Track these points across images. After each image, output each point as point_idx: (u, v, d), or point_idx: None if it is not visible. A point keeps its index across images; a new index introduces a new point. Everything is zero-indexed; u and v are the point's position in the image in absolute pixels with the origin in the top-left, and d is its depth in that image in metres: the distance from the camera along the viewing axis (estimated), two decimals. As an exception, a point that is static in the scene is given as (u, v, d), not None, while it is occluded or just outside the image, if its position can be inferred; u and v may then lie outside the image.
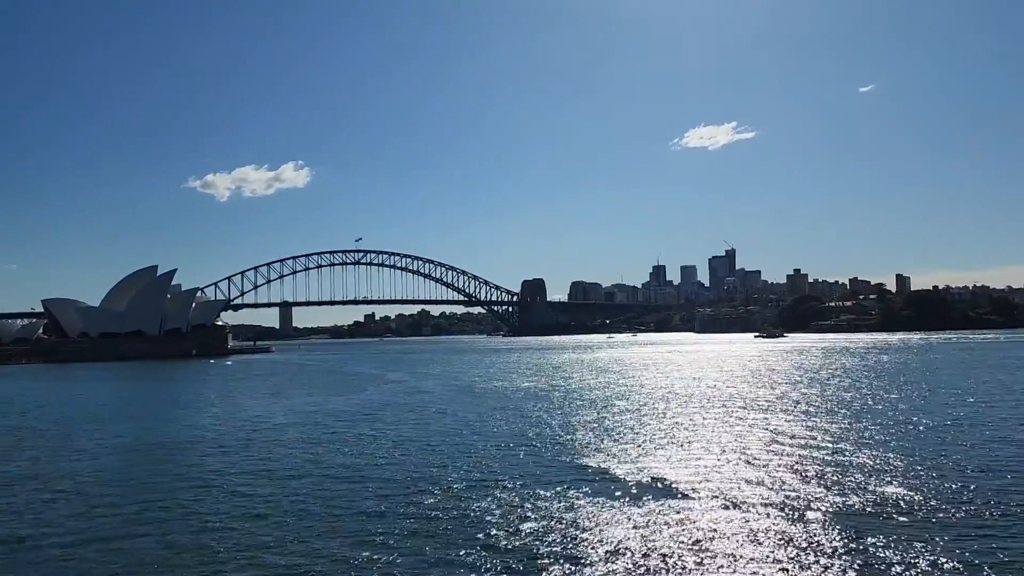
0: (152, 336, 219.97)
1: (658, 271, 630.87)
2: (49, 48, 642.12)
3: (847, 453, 32.77)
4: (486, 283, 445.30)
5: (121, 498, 28.16)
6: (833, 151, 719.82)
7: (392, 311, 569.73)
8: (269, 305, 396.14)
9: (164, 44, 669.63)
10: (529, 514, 23.56)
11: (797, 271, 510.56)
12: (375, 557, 19.67)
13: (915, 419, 43.54)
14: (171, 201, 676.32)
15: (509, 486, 27.76)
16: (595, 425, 44.45)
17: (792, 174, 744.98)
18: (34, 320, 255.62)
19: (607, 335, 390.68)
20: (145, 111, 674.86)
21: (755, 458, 32.12)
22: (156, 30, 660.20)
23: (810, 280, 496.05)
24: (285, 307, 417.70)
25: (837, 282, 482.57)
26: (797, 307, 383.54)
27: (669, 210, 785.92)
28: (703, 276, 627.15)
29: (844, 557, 18.46)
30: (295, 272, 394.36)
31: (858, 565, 17.87)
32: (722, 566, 18.08)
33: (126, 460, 37.52)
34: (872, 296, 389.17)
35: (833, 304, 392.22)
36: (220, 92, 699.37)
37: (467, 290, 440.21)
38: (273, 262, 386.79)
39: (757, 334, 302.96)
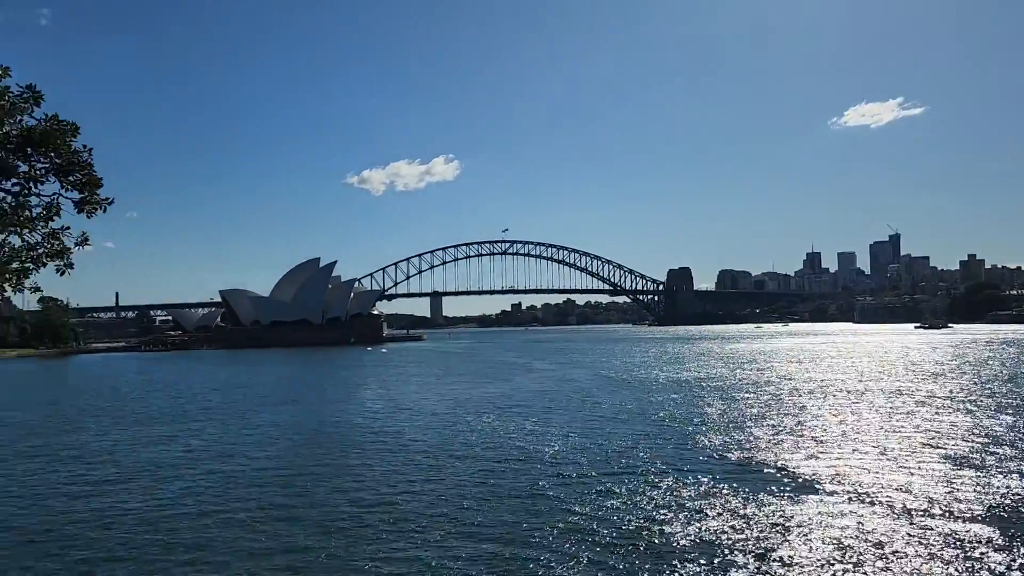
0: (315, 324, 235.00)
1: (812, 258, 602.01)
2: (219, 55, 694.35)
3: (1004, 455, 31.65)
4: (631, 272, 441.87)
5: (288, 475, 31.80)
6: (1011, 125, 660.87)
7: (538, 300, 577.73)
8: (421, 295, 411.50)
9: (320, 47, 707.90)
10: (673, 508, 24.77)
11: (972, 257, 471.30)
12: (526, 541, 21.63)
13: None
14: (331, 196, 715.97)
15: (653, 478, 29.00)
16: (740, 418, 44.65)
17: (966, 152, 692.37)
18: (213, 309, 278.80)
19: (755, 325, 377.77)
20: (307, 112, 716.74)
21: (905, 456, 31.69)
22: (312, 34, 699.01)
23: (987, 267, 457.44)
24: (436, 297, 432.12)
25: (1020, 268, 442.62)
26: (971, 296, 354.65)
27: (825, 194, 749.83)
28: (863, 263, 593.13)
29: (994, 562, 18.56)
30: (445, 263, 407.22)
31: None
32: (865, 570, 18.65)
33: (294, 440, 41.70)
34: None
35: (1014, 292, 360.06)
36: (375, 91, 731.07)
37: (612, 279, 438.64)
38: (424, 253, 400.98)
39: (918, 325, 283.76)
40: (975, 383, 62.29)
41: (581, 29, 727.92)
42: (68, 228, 9.62)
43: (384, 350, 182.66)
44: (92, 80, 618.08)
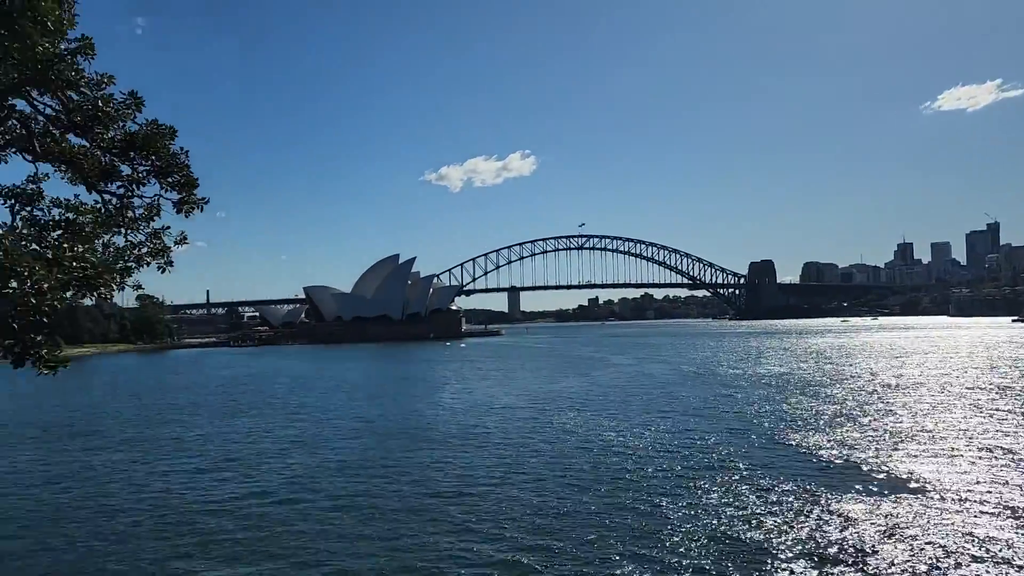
0: (395, 320, 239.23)
1: (904, 249, 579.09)
2: (300, 57, 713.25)
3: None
4: (711, 265, 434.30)
5: (371, 465, 32.48)
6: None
7: (615, 295, 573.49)
8: (498, 290, 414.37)
9: (399, 46, 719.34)
10: (760, 507, 24.29)
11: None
12: (607, 535, 21.57)
13: None
14: (410, 193, 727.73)
15: (736, 476, 28.51)
16: (828, 415, 43.42)
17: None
18: (297, 305, 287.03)
19: (841, 319, 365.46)
20: (386, 111, 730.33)
21: (1007, 456, 30.24)
22: (391, 34, 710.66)
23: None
24: (513, 292, 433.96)
25: None
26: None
27: (918, 181, 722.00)
28: (958, 253, 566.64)
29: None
30: (522, 258, 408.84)
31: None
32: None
33: (378, 433, 42.55)
34: None
35: None
36: (452, 88, 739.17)
37: (691, 273, 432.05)
38: (501, 248, 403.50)
39: (1016, 318, 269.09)
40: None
41: (658, 20, 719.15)
42: (168, 228, 10.06)
43: (463, 345, 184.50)
44: (182, 84, 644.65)
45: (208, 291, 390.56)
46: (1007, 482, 25.40)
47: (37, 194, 10.28)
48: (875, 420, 40.35)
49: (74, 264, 8.63)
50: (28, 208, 10.26)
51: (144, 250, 10.01)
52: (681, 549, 19.52)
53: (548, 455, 33.32)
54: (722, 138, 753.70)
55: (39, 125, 9.71)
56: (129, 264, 10.60)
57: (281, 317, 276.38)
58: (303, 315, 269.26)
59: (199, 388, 77.68)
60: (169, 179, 9.98)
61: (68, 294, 8.80)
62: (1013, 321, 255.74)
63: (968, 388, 54.51)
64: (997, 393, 50.84)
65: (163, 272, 10.14)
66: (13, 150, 10.23)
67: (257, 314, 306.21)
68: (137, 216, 10.17)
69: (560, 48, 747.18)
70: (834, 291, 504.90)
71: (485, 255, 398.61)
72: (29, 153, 10.06)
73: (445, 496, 26.14)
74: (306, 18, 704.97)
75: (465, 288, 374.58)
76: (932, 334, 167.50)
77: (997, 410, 42.76)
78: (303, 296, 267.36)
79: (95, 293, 8.98)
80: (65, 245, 9.01)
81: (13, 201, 10.22)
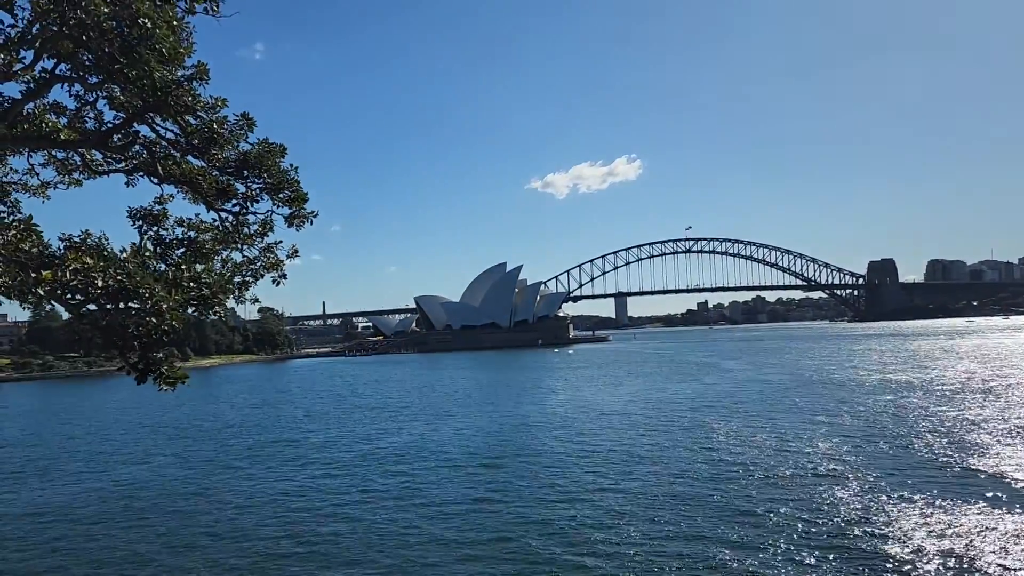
0: (504, 327, 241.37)
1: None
2: (407, 70, 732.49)
3: None
4: (827, 266, 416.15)
5: (479, 469, 32.68)
6: None
7: (724, 298, 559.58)
8: (605, 296, 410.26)
9: (501, 56, 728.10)
10: (879, 518, 23.05)
11: None
12: (721, 545, 20.89)
13: None
14: (516, 201, 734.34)
15: (856, 486, 27.14)
16: (950, 424, 40.75)
17: None
18: (408, 315, 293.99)
19: (966, 319, 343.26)
20: (490, 121, 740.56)
21: None
22: (493, 43, 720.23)
23: None
24: (620, 297, 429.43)
25: None
26: None
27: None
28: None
29: None
30: (628, 263, 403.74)
31: None
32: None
33: (492, 440, 42.80)
34: None
35: None
36: (555, 95, 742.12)
37: (805, 274, 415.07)
38: (607, 254, 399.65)
39: None
40: None
41: (762, 17, 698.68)
42: (281, 242, 10.41)
43: (570, 351, 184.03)
44: (299, 104, 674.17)
45: (324, 303, 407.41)
46: None
47: (162, 214, 10.86)
48: (1000, 428, 37.57)
49: (191, 284, 9.02)
50: (155, 228, 10.84)
51: (259, 264, 10.40)
52: (796, 556, 18.68)
53: (659, 462, 32.64)
54: (835, 134, 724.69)
55: (162, 149, 10.26)
56: (247, 279, 11.04)
57: (393, 327, 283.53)
58: (414, 324, 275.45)
59: (320, 396, 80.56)
60: (280, 195, 10.34)
61: (187, 312, 9.21)
62: None
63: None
64: None
65: (277, 285, 10.51)
66: (141, 174, 10.86)
67: (370, 324, 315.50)
68: (252, 232, 10.58)
69: (662, 50, 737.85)
70: (962, 290, 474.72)
71: (591, 261, 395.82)
72: (154, 176, 10.64)
73: (550, 502, 26.04)
74: (413, 33, 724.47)
75: (572, 294, 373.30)
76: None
77: None
78: (414, 306, 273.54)
79: (211, 311, 9.37)
80: (183, 266, 9.44)
81: (141, 222, 10.83)
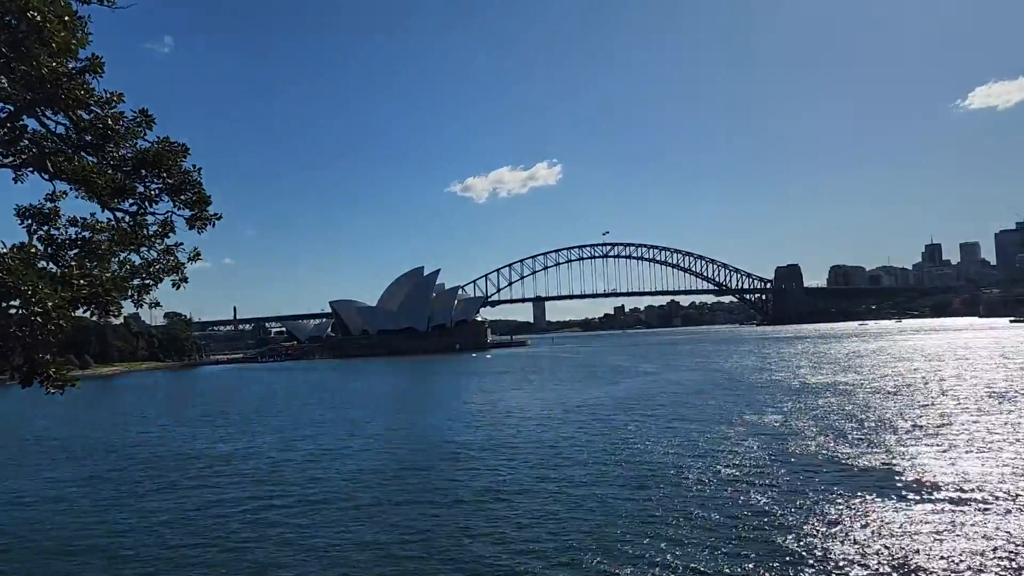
0: (421, 332, 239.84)
1: (932, 250, 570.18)
2: (325, 71, 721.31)
3: None
4: (737, 271, 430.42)
5: (395, 476, 32.35)
6: None
7: (641, 303, 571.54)
8: (524, 300, 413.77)
9: (423, 58, 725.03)
10: (792, 513, 23.83)
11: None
12: (637, 546, 21.22)
13: None
14: (435, 205, 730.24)
15: (774, 482, 28.01)
16: (849, 420, 42.65)
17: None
18: (324, 320, 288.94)
19: (859, 323, 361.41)
20: (410, 124, 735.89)
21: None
22: (414, 45, 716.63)
23: None
24: (539, 302, 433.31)
25: None
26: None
27: (945, 182, 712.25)
28: (988, 254, 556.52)
29: None
30: (547, 267, 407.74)
31: None
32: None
33: (404, 444, 42.41)
34: None
35: None
36: (477, 99, 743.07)
37: (718, 279, 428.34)
38: (526, 258, 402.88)
39: (1014, 319, 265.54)
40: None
41: (684, 24, 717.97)
42: (181, 244, 10.02)
43: (489, 356, 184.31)
44: (210, 102, 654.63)
45: (235, 308, 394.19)
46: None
47: (54, 213, 10.29)
48: (882, 422, 39.60)
49: (81, 282, 8.58)
50: (45, 227, 10.27)
51: (158, 267, 9.98)
52: (714, 555, 19.15)
53: (581, 465, 32.96)
54: (746, 143, 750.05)
55: (52, 144, 9.73)
56: (146, 282, 10.59)
57: (308, 332, 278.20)
58: (329, 329, 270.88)
59: (226, 405, 78.19)
60: (182, 196, 9.95)
61: (78, 312, 8.75)
62: (1011, 321, 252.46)
63: (950, 389, 53.37)
64: (991, 395, 49.71)
65: (177, 288, 10.11)
66: (30, 169, 10.27)
67: (284, 330, 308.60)
68: (151, 233, 10.15)
69: (585, 56, 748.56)
70: (862, 294, 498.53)
71: (510, 265, 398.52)
72: (44, 172, 10.09)
73: (464, 504, 25.94)
74: (330, 33, 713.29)
75: (490, 299, 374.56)
76: (948, 336, 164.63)
77: (987, 409, 41.79)
78: (330, 311, 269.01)
79: (104, 311, 8.93)
80: (73, 264, 8.98)
81: (30, 220, 10.24)
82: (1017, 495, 23.86)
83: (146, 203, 9.96)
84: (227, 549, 22.83)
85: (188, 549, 23.03)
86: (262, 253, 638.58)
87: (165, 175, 9.70)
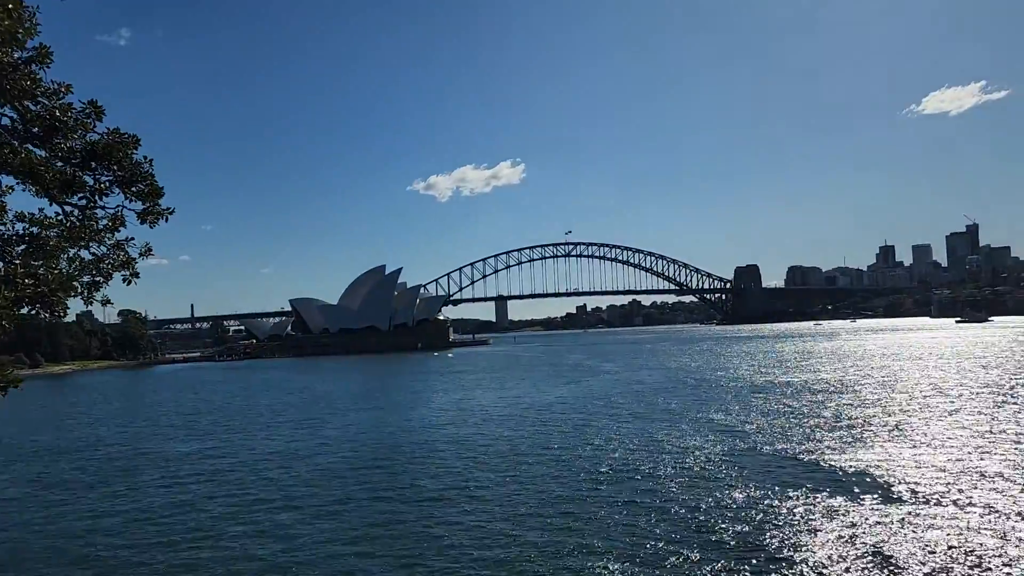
0: (382, 331, 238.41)
1: (886, 252, 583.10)
2: (288, 67, 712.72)
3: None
4: (697, 271, 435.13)
5: (355, 475, 32.11)
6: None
7: (603, 302, 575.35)
8: (486, 299, 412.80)
9: (386, 55, 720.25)
10: (745, 508, 24.14)
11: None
12: (582, 544, 21.32)
13: None
14: (397, 203, 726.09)
15: (729, 479, 28.34)
16: (789, 417, 43.39)
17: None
18: (284, 318, 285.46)
19: (814, 322, 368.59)
20: (374, 121, 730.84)
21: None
22: (378, 43, 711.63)
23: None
24: (500, 301, 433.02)
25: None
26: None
27: (898, 185, 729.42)
28: (939, 255, 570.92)
29: None
30: (509, 266, 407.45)
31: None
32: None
33: (364, 443, 42.12)
34: None
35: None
36: (441, 98, 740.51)
37: (678, 279, 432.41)
38: (488, 257, 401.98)
39: (959, 319, 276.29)
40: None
41: (644, 27, 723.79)
42: (132, 239, 9.76)
43: (450, 355, 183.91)
44: (169, 96, 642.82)
45: (192, 305, 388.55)
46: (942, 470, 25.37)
47: (0, 208, 9.97)
48: (830, 421, 40.40)
49: (26, 281, 8.33)
50: (-10, 223, 9.95)
51: (108, 262, 9.72)
52: (659, 549, 19.31)
53: (542, 463, 33.01)
54: (708, 145, 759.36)
55: (-3, 136, 9.42)
56: (97, 279, 10.30)
57: (267, 330, 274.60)
58: (289, 328, 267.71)
59: (182, 406, 76.86)
60: (133, 189, 9.70)
61: (25, 312, 8.50)
62: (957, 321, 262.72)
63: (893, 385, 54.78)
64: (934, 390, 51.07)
65: (128, 284, 9.84)
66: (-26, 163, 9.94)
67: (243, 328, 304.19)
68: (100, 228, 9.88)
69: (550, 57, 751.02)
70: (819, 294, 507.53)
71: (472, 264, 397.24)
72: (-11, 166, 9.77)
73: (424, 499, 25.82)
74: (292, 28, 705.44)
75: (452, 298, 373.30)
76: (897, 336, 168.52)
77: (932, 407, 42.92)
78: (289, 309, 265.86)
79: (50, 310, 8.69)
80: (18, 262, 8.70)
81: (-26, 216, 9.91)
82: (962, 490, 24.46)
83: (96, 196, 9.69)
84: (180, 548, 22.43)
85: (141, 550, 22.56)
86: (220, 250, 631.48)
87: (116, 167, 9.45)
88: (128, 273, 9.76)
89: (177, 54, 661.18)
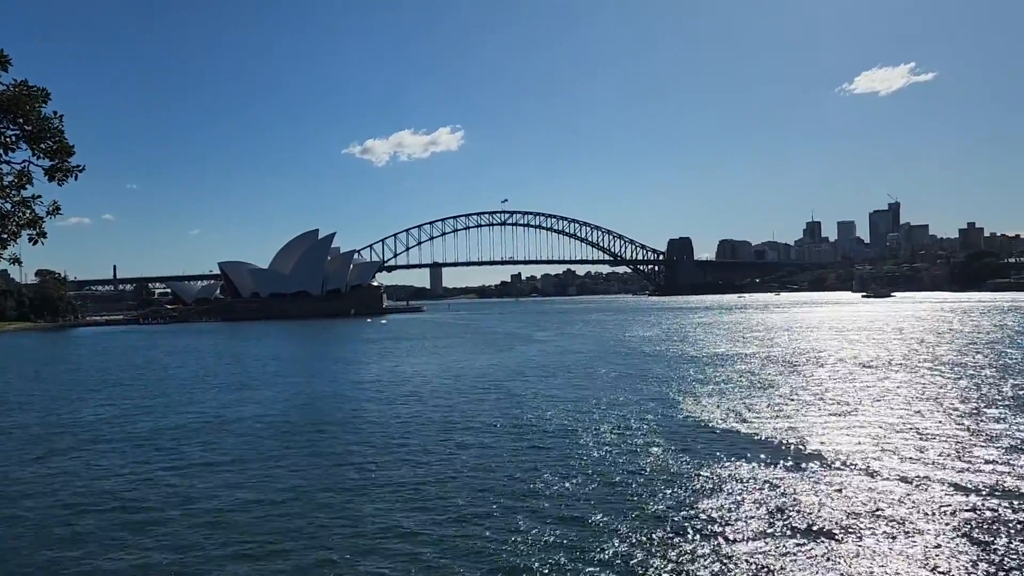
0: (315, 296, 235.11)
1: (812, 227, 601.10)
2: (220, 24, 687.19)
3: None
4: (632, 242, 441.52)
5: (282, 441, 31.75)
6: (1019, 93, 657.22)
7: (538, 271, 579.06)
8: (420, 266, 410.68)
9: (324, 16, 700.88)
10: (673, 474, 24.70)
11: (971, 225, 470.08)
12: (510, 513, 21.55)
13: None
14: (332, 167, 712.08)
15: (654, 449, 28.94)
16: (726, 386, 44.64)
17: (973, 119, 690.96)
18: (212, 281, 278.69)
19: (739, 295, 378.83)
20: (309, 83, 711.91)
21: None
22: (316, 4, 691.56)
23: (985, 235, 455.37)
24: (435, 268, 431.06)
25: (1019, 236, 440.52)
26: (971, 264, 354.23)
27: (827, 163, 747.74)
28: (863, 232, 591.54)
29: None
30: (444, 234, 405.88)
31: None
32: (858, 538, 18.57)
33: (297, 410, 41.60)
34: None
35: (1012, 260, 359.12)
36: (379, 61, 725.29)
37: (612, 249, 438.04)
38: (424, 224, 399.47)
39: (865, 294, 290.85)
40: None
41: (583, 1, 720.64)
42: (39, 197, 9.29)
43: (384, 321, 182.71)
44: (93, 49, 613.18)
45: (115, 266, 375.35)
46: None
47: None
48: (763, 387, 41.75)
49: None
50: None
51: (13, 221, 9.23)
52: (586, 522, 19.65)
53: (473, 431, 33.11)
54: (643, 116, 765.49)
55: None
56: (2, 236, 9.80)
57: (195, 294, 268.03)
58: (218, 291, 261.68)
59: (103, 370, 74.52)
60: (41, 145, 9.20)
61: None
62: (863, 296, 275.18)
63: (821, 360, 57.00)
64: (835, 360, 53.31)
65: (35, 244, 9.38)
66: None
67: (169, 291, 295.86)
68: (6, 184, 9.36)
69: (490, 22, 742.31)
70: (748, 268, 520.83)
71: (407, 230, 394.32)
72: None
73: (359, 470, 25.68)
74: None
75: (386, 264, 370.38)
76: (802, 312, 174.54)
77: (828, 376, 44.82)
78: (218, 272, 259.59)
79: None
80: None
81: None
82: (875, 457, 25.52)
83: (1, 151, 9.17)
84: (104, 510, 21.82)
85: (60, 519, 21.85)
86: (146, 209, 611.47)
87: (22, 121, 8.94)
88: (35, 232, 9.30)
89: (99, 14, 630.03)
